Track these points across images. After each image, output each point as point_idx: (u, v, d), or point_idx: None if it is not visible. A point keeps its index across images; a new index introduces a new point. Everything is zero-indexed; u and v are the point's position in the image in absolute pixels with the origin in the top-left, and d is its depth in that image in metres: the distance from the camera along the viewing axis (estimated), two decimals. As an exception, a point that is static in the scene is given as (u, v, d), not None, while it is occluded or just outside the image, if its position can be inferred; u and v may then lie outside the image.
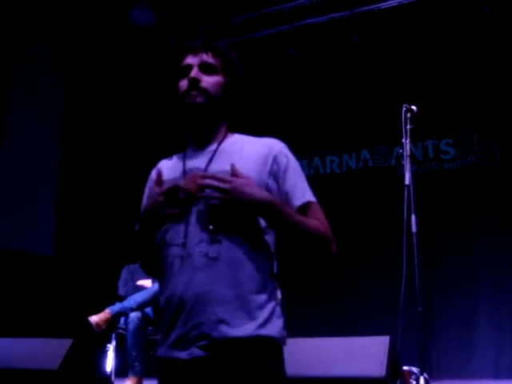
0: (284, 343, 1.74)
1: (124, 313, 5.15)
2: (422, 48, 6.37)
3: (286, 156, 1.85)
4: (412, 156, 4.24)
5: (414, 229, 3.86)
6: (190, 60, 1.89)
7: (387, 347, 2.62)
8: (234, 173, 1.72)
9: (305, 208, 1.80)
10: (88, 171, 7.42)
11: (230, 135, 1.94)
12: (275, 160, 1.82)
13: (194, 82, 1.83)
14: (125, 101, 7.68)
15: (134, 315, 5.06)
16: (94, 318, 5.05)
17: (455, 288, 5.75)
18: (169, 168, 1.92)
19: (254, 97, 6.92)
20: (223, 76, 1.88)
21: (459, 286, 5.75)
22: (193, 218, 1.76)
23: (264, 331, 1.68)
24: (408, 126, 4.09)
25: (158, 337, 1.80)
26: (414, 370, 3.59)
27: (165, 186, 1.77)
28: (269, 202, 1.71)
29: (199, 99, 1.82)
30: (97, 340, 5.36)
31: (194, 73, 1.84)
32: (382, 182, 6.31)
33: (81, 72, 7.63)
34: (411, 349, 3.70)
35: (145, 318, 5.13)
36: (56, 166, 7.40)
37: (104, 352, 5.21)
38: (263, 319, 1.69)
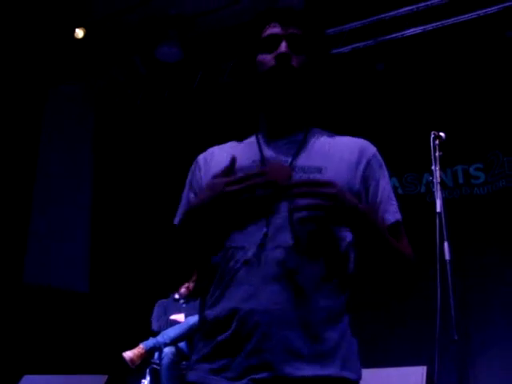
0: None
1: (158, 348, 5.17)
2: (447, 74, 6.36)
3: (381, 162, 1.66)
4: (442, 182, 4.21)
5: (447, 256, 3.81)
6: (276, 30, 1.58)
7: (424, 377, 2.59)
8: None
9: (395, 228, 1.59)
10: (119, 209, 7.51)
11: (314, 129, 1.71)
12: (369, 165, 1.61)
13: (285, 59, 1.53)
14: (153, 137, 7.79)
15: (167, 350, 5.08)
16: (128, 354, 5.08)
17: (491, 315, 5.64)
18: (232, 155, 1.55)
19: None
20: (309, 57, 1.59)
21: (495, 313, 5.64)
22: (274, 218, 1.46)
23: (345, 373, 1.40)
24: (437, 153, 4.06)
25: (194, 357, 1.49)
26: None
27: (239, 175, 1.46)
28: (366, 212, 1.45)
29: (290, 79, 1.54)
30: (131, 375, 5.38)
31: (284, 47, 1.54)
32: (413, 210, 6.25)
33: (110, 109, 7.78)
34: (449, 378, 3.63)
35: (179, 353, 5.14)
36: (88, 204, 7.51)
37: (139, 387, 5.22)
38: (342, 357, 1.41)
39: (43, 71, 6.86)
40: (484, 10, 5.99)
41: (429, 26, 6.24)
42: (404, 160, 6.46)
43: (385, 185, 1.62)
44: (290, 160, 1.54)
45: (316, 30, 1.64)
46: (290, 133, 1.62)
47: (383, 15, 6.35)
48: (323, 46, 1.68)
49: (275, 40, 1.56)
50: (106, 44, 7.00)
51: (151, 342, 5.22)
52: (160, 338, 5.20)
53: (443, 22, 6.17)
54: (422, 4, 6.17)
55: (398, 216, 1.62)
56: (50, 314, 6.48)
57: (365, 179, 1.58)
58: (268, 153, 1.58)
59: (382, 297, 5.83)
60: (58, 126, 7.27)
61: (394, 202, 1.63)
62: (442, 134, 4.13)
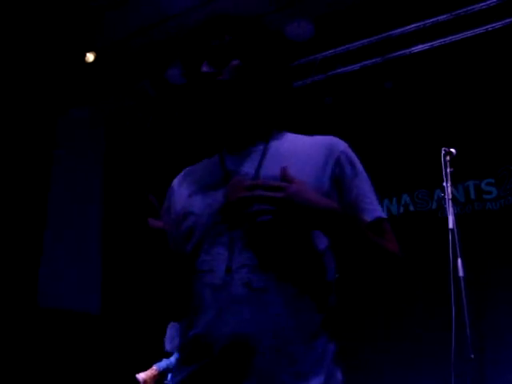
0: None
1: (171, 369, 5.14)
2: (456, 89, 6.36)
3: (351, 158, 1.55)
4: (454, 198, 4.19)
5: (460, 273, 3.79)
6: (197, 51, 1.55)
7: (441, 397, 2.55)
8: (285, 178, 1.35)
9: (376, 226, 1.49)
10: (131, 231, 7.50)
11: (277, 134, 1.61)
12: (338, 163, 1.51)
13: (206, 78, 1.48)
14: (164, 159, 7.82)
15: (181, 371, 5.05)
16: (141, 375, 5.06)
17: (508, 332, 5.57)
18: (201, 174, 1.62)
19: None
20: (245, 61, 1.51)
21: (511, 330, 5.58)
22: (238, 235, 1.40)
23: None
24: (448, 169, 4.06)
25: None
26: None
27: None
28: (334, 209, 1.34)
29: (217, 96, 1.47)
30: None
31: (204, 68, 1.49)
32: (425, 226, 6.23)
33: (121, 132, 7.83)
34: (466, 397, 3.59)
35: (192, 374, 5.10)
36: (100, 226, 7.53)
37: (152, 409, 5.19)
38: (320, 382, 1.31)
39: (54, 95, 6.93)
40: (492, 25, 5.99)
41: (436, 42, 6.25)
42: (415, 177, 6.44)
43: (358, 182, 1.52)
44: (253, 172, 1.48)
45: (248, 32, 1.54)
46: (251, 143, 1.55)
47: (390, 32, 6.37)
48: (262, 46, 1.54)
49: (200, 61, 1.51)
50: (116, 67, 7.07)
51: (164, 363, 5.19)
52: (173, 359, 5.18)
53: (451, 37, 6.18)
54: (429, 20, 6.19)
55: (377, 213, 1.51)
56: (64, 337, 6.48)
57: (335, 179, 1.49)
58: (232, 167, 1.52)
59: (396, 316, 5.80)
60: (69, 149, 7.31)
61: (372, 200, 1.52)
62: (452, 150, 4.13)
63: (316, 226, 1.36)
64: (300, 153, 1.51)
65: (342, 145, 1.57)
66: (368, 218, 1.48)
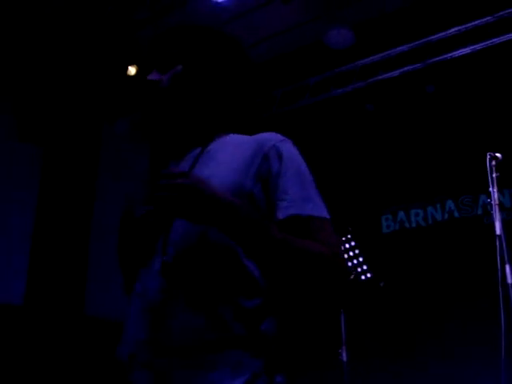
0: None
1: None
2: (500, 93, 6.26)
3: (282, 152, 1.39)
4: (500, 203, 4.12)
5: (509, 280, 3.71)
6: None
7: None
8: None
9: (294, 225, 1.31)
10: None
11: (223, 136, 1.54)
12: (266, 159, 1.38)
13: (147, 86, 1.51)
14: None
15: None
16: None
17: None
18: (129, 196, 1.67)
19: (334, 155, 6.99)
20: (186, 65, 1.51)
21: None
22: (158, 240, 1.37)
23: None
24: (494, 174, 3.99)
25: None
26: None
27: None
28: (232, 206, 1.23)
29: (157, 102, 1.49)
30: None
31: (151, 76, 1.54)
32: (470, 233, 6.13)
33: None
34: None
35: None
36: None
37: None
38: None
39: (98, 108, 7.07)
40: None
41: (478, 46, 6.16)
42: (459, 182, 6.36)
43: (282, 179, 1.36)
44: None
45: (193, 39, 1.55)
46: (191, 148, 1.51)
47: (431, 37, 6.31)
48: (204, 52, 1.53)
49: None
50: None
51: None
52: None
53: (492, 40, 6.09)
54: (470, 24, 6.11)
55: (291, 211, 1.32)
56: (109, 347, 6.55)
57: (261, 177, 1.36)
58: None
59: (445, 323, 5.72)
60: (114, 161, 7.43)
61: (292, 196, 1.34)
62: (498, 154, 4.06)
63: (211, 220, 1.24)
64: (229, 152, 1.43)
65: (274, 139, 1.42)
66: (280, 215, 1.32)
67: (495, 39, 6.07)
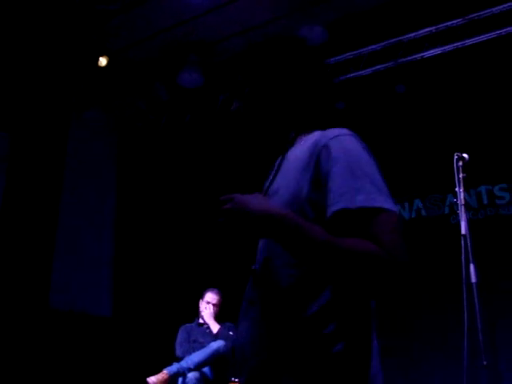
0: None
1: (182, 373, 5.14)
2: (469, 94, 6.34)
3: (331, 151, 1.34)
4: (466, 203, 4.16)
5: (473, 279, 3.76)
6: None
7: (453, 404, 2.52)
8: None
9: (345, 220, 1.24)
10: (142, 233, 7.56)
11: (304, 136, 1.55)
12: (318, 161, 1.35)
13: (236, 110, 1.68)
14: (176, 161, 7.84)
15: (191, 375, 5.05)
16: (152, 379, 5.06)
17: (521, 338, 5.54)
18: None
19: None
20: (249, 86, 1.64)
21: (525, 336, 5.54)
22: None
23: None
24: (461, 175, 4.03)
25: None
26: (483, 427, 3.43)
27: None
28: (273, 216, 1.26)
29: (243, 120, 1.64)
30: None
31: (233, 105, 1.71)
32: (437, 232, 6.21)
33: (133, 135, 7.87)
34: (478, 404, 3.56)
35: (203, 378, 5.10)
36: (112, 229, 7.57)
37: (163, 413, 5.19)
38: None
39: (67, 99, 6.97)
40: (505, 29, 5.96)
41: (448, 47, 6.23)
42: (427, 182, 6.43)
43: (332, 176, 1.30)
44: (267, 187, 1.53)
45: (254, 63, 1.66)
46: (276, 157, 1.59)
47: (402, 37, 6.36)
48: (262, 67, 1.63)
49: None
50: (128, 71, 7.10)
51: (175, 367, 5.18)
52: (184, 363, 5.17)
53: (463, 42, 6.16)
54: (442, 25, 6.17)
55: (340, 205, 1.25)
56: (75, 339, 6.51)
57: (316, 180, 1.34)
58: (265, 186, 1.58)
59: (407, 321, 5.78)
60: (82, 151, 7.35)
61: (340, 187, 1.27)
62: (465, 155, 4.10)
63: (257, 234, 1.32)
64: (294, 159, 1.46)
65: (327, 137, 1.40)
66: (328, 213, 1.27)
67: (466, 41, 6.14)
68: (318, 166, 1.33)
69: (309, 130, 1.56)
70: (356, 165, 1.30)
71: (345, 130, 1.44)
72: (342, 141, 1.37)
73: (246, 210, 1.28)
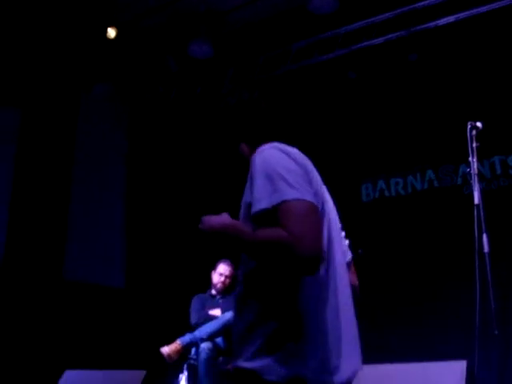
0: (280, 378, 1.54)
1: (195, 343, 5.19)
2: (483, 62, 6.24)
3: (254, 164, 1.65)
4: (479, 173, 4.12)
5: (486, 249, 3.74)
6: None
7: (464, 372, 2.54)
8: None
9: (264, 217, 1.55)
10: (154, 205, 7.58)
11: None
12: (251, 173, 1.67)
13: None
14: (187, 133, 7.82)
15: (204, 345, 5.10)
16: (165, 349, 5.11)
17: (532, 308, 5.52)
18: None
19: (315, 122, 6.95)
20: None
21: (537, 306, 5.52)
22: None
23: (240, 363, 1.61)
24: (474, 144, 3.99)
25: None
26: (494, 395, 3.45)
27: None
28: (221, 228, 1.62)
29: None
30: (169, 371, 5.42)
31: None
32: (449, 202, 6.17)
33: (144, 107, 7.84)
34: (489, 372, 3.57)
35: (215, 348, 5.15)
36: (123, 200, 7.59)
37: (176, 382, 5.26)
38: (249, 354, 1.59)
39: (77, 72, 6.95)
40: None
41: (462, 15, 6.12)
42: (439, 151, 6.37)
43: (253, 185, 1.62)
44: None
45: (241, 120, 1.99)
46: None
47: (416, 5, 6.26)
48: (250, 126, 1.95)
49: None
50: (137, 43, 7.05)
51: (188, 337, 5.24)
52: (197, 334, 5.22)
53: (477, 9, 6.05)
54: (456, -8, 6.06)
55: (262, 205, 1.55)
56: (89, 310, 6.58)
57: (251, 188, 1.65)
58: None
59: (421, 291, 5.78)
60: (93, 124, 7.35)
61: (258, 193, 1.58)
62: (478, 123, 4.05)
63: (218, 243, 1.65)
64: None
65: (256, 154, 1.69)
66: (252, 214, 1.59)
67: (480, 8, 6.03)
68: (251, 177, 1.64)
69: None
70: (272, 171, 1.57)
71: (270, 145, 1.70)
72: (260, 155, 1.65)
73: (209, 227, 1.64)
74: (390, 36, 6.47)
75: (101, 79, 7.20)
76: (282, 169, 1.58)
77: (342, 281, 1.73)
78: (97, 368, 4.94)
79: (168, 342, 5.19)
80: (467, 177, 5.99)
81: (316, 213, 1.55)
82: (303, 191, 1.54)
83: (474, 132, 4.04)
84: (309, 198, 1.54)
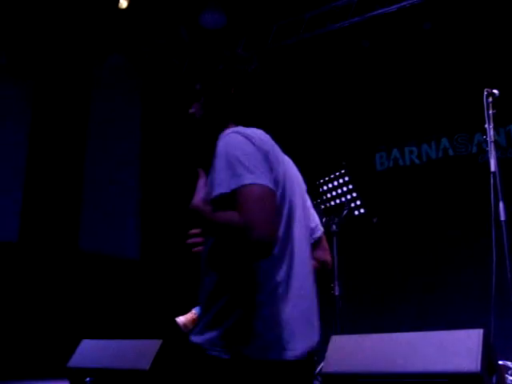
0: (226, 354, 1.59)
1: (210, 312, 5.22)
2: (500, 28, 6.14)
3: (217, 148, 1.70)
4: (495, 142, 4.07)
5: (502, 217, 3.72)
6: None
7: (481, 341, 2.51)
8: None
9: (221, 202, 1.62)
10: (168, 173, 7.59)
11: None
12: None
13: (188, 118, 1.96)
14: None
15: (219, 315, 5.13)
16: (181, 319, 5.14)
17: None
18: None
19: (329, 91, 6.90)
20: (206, 96, 1.93)
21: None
22: None
23: (195, 339, 1.69)
24: (490, 111, 3.94)
25: None
26: (510, 364, 3.45)
27: None
28: (192, 208, 1.70)
29: (194, 129, 1.96)
30: (185, 340, 5.46)
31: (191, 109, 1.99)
32: (464, 171, 6.12)
33: (157, 78, 7.81)
34: (505, 341, 3.57)
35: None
36: (138, 173, 7.61)
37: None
38: (200, 327, 1.71)
39: (90, 43, 6.91)
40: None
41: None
42: (455, 120, 6.30)
43: (216, 168, 1.66)
44: None
45: (200, 73, 1.95)
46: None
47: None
48: (213, 78, 1.91)
49: None
50: (150, 14, 6.99)
51: (203, 307, 5.27)
52: (212, 304, 5.25)
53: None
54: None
55: (218, 190, 1.61)
56: (104, 281, 6.64)
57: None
58: None
59: (437, 259, 5.76)
60: (107, 95, 7.34)
61: (215, 179, 1.64)
62: (495, 91, 4.00)
63: (193, 223, 1.82)
64: None
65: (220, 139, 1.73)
66: (211, 199, 1.65)
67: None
68: (213, 161, 1.68)
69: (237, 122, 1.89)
70: (231, 156, 1.62)
71: (233, 129, 1.74)
72: (225, 139, 1.68)
73: (189, 210, 1.70)
74: (403, 3, 6.37)
75: (113, 50, 7.16)
76: (240, 153, 1.63)
77: (301, 259, 1.75)
78: (113, 338, 4.99)
79: (183, 313, 5.23)
80: (482, 145, 5.94)
81: (272, 196, 1.59)
82: (261, 175, 1.59)
83: (490, 99, 3.99)
84: (266, 182, 1.59)
